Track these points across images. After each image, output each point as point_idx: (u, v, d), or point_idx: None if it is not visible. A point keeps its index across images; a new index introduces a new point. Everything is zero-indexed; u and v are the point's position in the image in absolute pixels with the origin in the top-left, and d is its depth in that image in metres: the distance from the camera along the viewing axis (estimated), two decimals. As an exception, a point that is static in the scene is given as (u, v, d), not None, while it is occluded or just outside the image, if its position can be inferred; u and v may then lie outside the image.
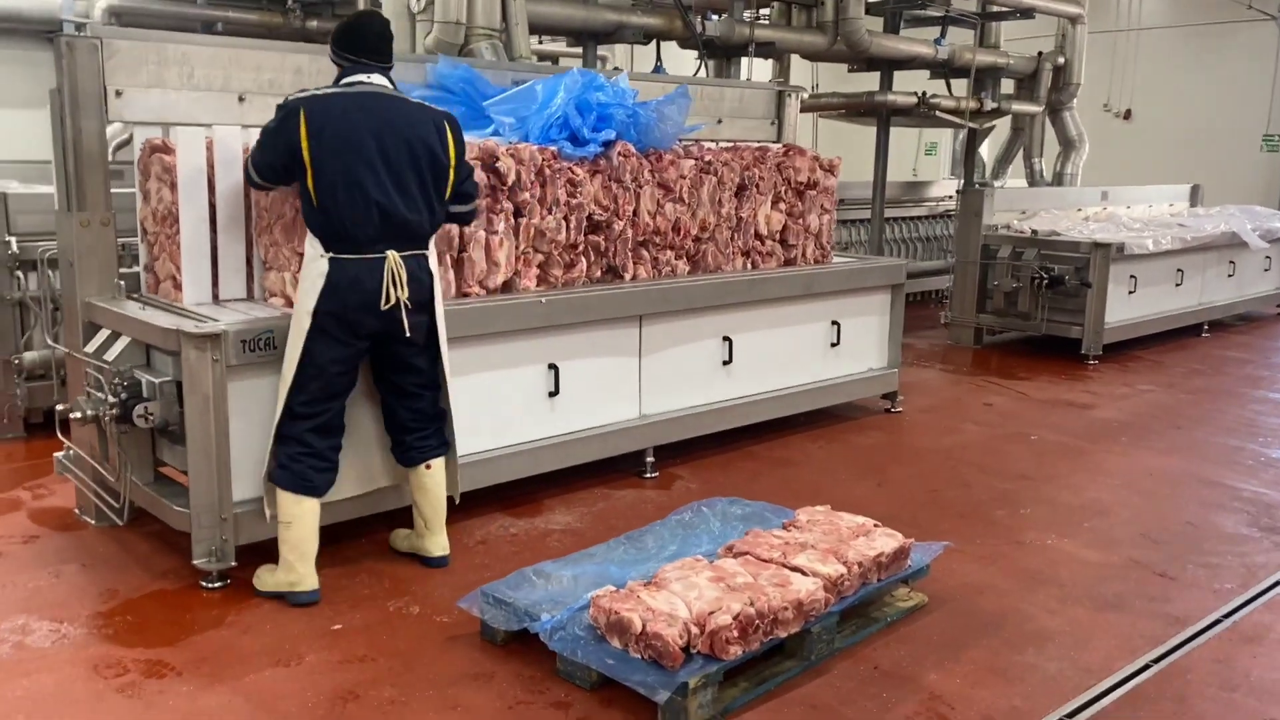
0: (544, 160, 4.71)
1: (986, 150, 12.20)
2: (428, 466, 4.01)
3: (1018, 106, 10.20)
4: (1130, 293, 8.44)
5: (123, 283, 4.31)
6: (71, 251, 4.22)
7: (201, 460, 3.76)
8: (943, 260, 10.11)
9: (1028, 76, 10.29)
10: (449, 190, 3.87)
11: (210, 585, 3.83)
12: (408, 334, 3.75)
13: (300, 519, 3.74)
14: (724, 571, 3.38)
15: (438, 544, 4.06)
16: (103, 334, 4.13)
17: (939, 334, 9.09)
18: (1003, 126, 11.42)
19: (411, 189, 3.73)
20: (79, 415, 3.96)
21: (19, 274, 5.44)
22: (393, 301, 3.69)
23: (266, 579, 3.79)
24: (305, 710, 3.06)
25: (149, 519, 4.23)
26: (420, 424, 4.00)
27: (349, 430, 3.95)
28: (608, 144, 4.98)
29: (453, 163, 3.85)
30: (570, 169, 4.83)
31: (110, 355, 3.98)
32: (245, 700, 3.10)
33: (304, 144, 3.63)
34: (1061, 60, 10.37)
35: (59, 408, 4.14)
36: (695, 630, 3.07)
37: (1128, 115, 15.12)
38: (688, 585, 3.28)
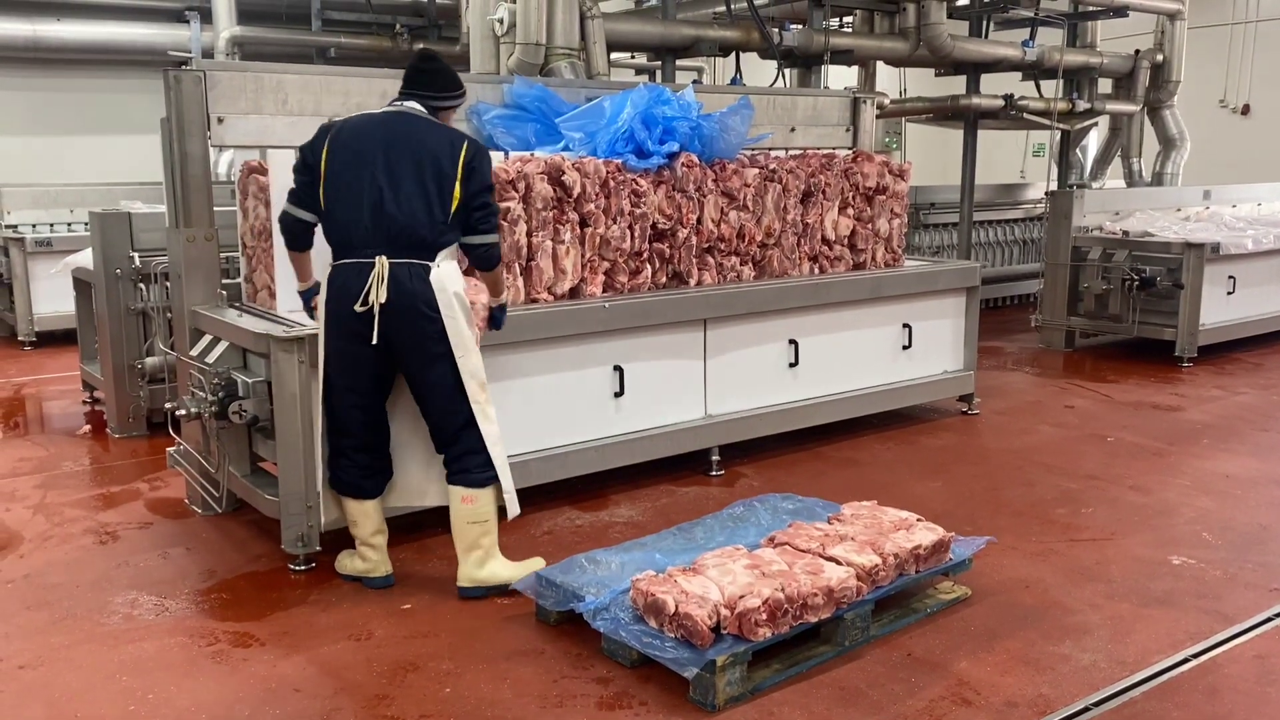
0: (609, 172, 4.96)
1: (1091, 150, 11.99)
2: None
3: (1113, 106, 10.03)
4: (1229, 294, 8.24)
5: (225, 292, 4.74)
6: (180, 264, 4.66)
7: (289, 453, 4.13)
8: (1039, 263, 10.02)
9: (1124, 75, 10.11)
10: (454, 203, 3.82)
11: (297, 568, 4.19)
12: (373, 340, 3.75)
13: (364, 518, 4.05)
14: (760, 560, 3.56)
15: (459, 573, 3.98)
16: (205, 339, 4.56)
17: (1031, 337, 9.01)
18: (1104, 127, 11.23)
19: (411, 197, 3.77)
20: (184, 412, 4.39)
21: (141, 286, 5.97)
22: (366, 305, 3.73)
23: (345, 564, 4.13)
24: (370, 678, 3.36)
25: (249, 509, 4.63)
26: (441, 446, 4.00)
27: (404, 445, 4.14)
28: (672, 155, 5.21)
29: (459, 177, 3.82)
30: (634, 180, 5.07)
31: (210, 358, 4.40)
32: (318, 668, 3.43)
33: (323, 156, 3.85)
34: (1160, 58, 10.14)
35: (167, 405, 4.57)
36: (725, 612, 3.26)
37: (1246, 111, 14.59)
38: (723, 571, 3.47)
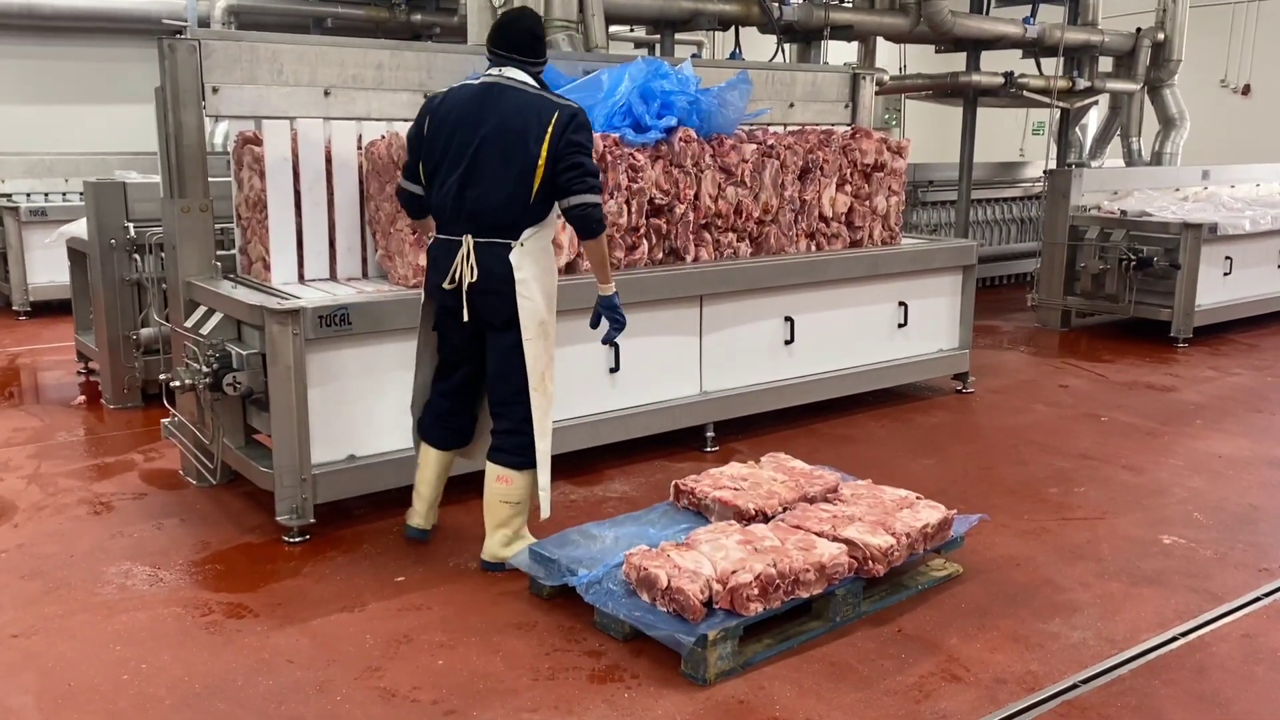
0: (606, 146, 4.94)
1: (1091, 129, 11.96)
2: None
3: (1113, 85, 9.99)
4: (1225, 274, 8.24)
5: (220, 264, 4.71)
6: (174, 235, 4.63)
7: (283, 425, 4.13)
8: (1036, 242, 10.01)
9: (1125, 54, 10.06)
10: (538, 182, 3.69)
11: (291, 540, 4.20)
12: (465, 318, 3.79)
13: (424, 463, 4.17)
14: (753, 535, 3.58)
15: (485, 545, 3.99)
16: (200, 310, 4.55)
17: (1027, 316, 9.02)
18: (1104, 106, 11.19)
19: (493, 179, 3.71)
20: (178, 384, 4.37)
21: (136, 257, 5.95)
22: (454, 284, 3.76)
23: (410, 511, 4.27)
24: (362, 650, 3.38)
25: (243, 481, 4.64)
26: (492, 417, 3.98)
27: None
28: (670, 130, 5.19)
29: (542, 156, 3.67)
30: (632, 155, 5.05)
31: (205, 329, 4.38)
32: (310, 639, 3.44)
33: (424, 134, 3.86)
34: (1161, 36, 10.09)
35: (162, 377, 4.56)
36: (718, 587, 3.27)
37: (1246, 91, 14.54)
38: (716, 546, 3.48)
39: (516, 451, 3.89)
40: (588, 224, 3.78)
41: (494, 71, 3.83)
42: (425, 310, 4.06)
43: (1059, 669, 3.30)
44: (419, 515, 4.20)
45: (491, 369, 3.92)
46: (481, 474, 4.03)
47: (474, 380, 4.06)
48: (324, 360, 4.22)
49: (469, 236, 3.75)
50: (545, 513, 3.95)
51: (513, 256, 3.74)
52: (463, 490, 4.42)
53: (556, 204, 3.81)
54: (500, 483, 3.92)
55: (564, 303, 4.75)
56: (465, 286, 3.76)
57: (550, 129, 3.68)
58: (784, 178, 5.71)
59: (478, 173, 3.73)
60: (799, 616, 3.51)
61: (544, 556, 3.68)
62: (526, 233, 3.76)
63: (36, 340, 8.17)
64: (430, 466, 4.15)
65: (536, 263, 3.80)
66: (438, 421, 4.11)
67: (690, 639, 3.16)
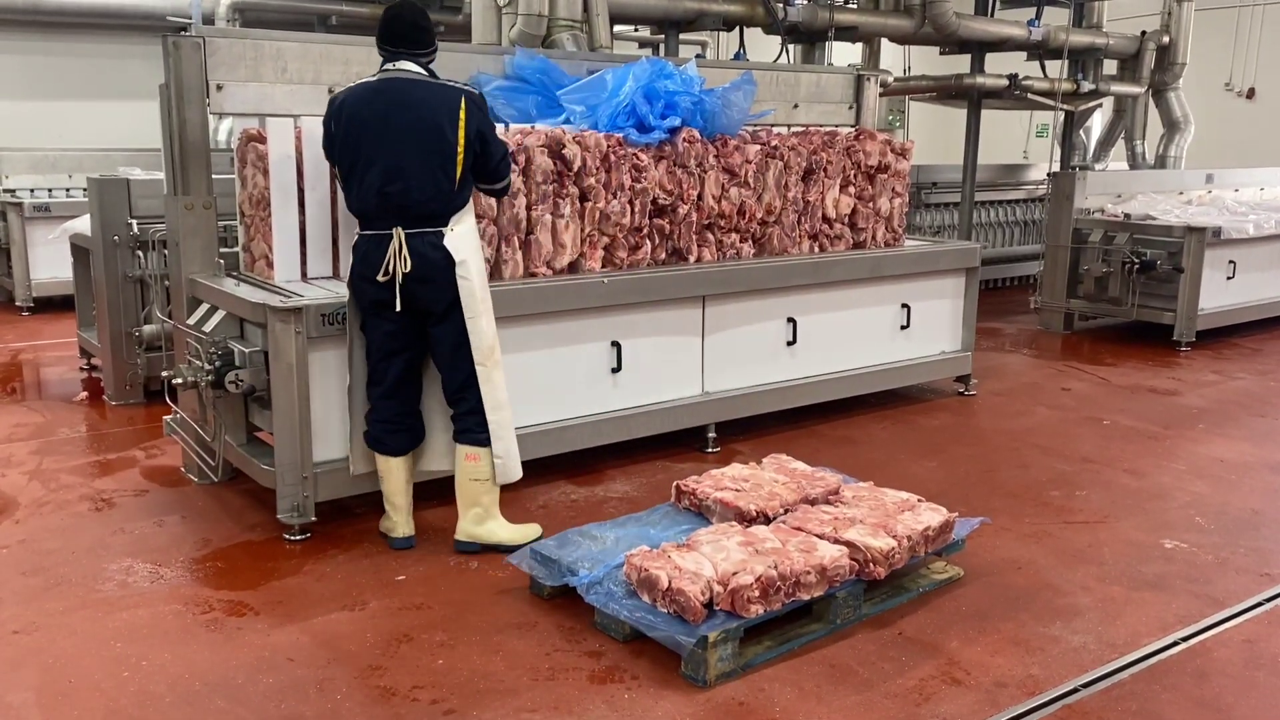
0: (609, 146, 4.94)
1: (1095, 132, 11.95)
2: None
3: (1117, 88, 9.99)
4: (1229, 278, 8.23)
5: (223, 261, 4.72)
6: (177, 232, 4.63)
7: (285, 423, 4.12)
8: (1040, 245, 10.00)
9: (1130, 57, 10.06)
10: (459, 170, 3.88)
11: (292, 538, 4.20)
12: (397, 308, 3.88)
13: (387, 474, 4.14)
14: (754, 537, 3.57)
15: (458, 527, 4.10)
16: (202, 308, 4.55)
17: (1030, 319, 9.01)
18: (1108, 109, 11.18)
19: (413, 172, 3.82)
20: (180, 381, 4.38)
21: (139, 253, 5.95)
22: (389, 275, 3.85)
23: (381, 521, 4.23)
24: (363, 648, 3.38)
25: (245, 478, 4.64)
26: (451, 404, 4.09)
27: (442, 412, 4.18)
28: (673, 130, 5.18)
29: (461, 143, 3.86)
30: (635, 155, 5.04)
31: (208, 327, 4.39)
32: (311, 638, 3.44)
33: (333, 132, 3.95)
34: (1166, 39, 10.09)
35: (164, 374, 4.56)
36: (719, 589, 3.27)
37: (1251, 94, 14.52)
38: (717, 548, 3.48)
39: (481, 429, 4.04)
40: (505, 195, 4.38)
41: (389, 67, 3.96)
42: (352, 312, 4.08)
43: (1059, 673, 3.29)
44: (401, 525, 4.16)
45: (442, 360, 4.05)
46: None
47: (410, 372, 4.10)
48: (326, 358, 4.22)
49: (399, 229, 3.86)
50: (517, 474, 4.12)
51: (448, 242, 3.91)
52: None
53: (477, 183, 4.07)
54: (470, 461, 4.06)
55: (565, 303, 4.80)
56: (400, 277, 3.87)
57: (462, 115, 3.87)
58: (787, 179, 5.71)
59: (397, 166, 3.84)
60: (799, 618, 3.51)
61: (545, 556, 3.68)
62: (455, 218, 3.94)
63: (39, 336, 8.18)
64: (396, 475, 4.14)
65: (469, 244, 3.97)
66: (389, 428, 4.11)
67: (690, 640, 3.16)
